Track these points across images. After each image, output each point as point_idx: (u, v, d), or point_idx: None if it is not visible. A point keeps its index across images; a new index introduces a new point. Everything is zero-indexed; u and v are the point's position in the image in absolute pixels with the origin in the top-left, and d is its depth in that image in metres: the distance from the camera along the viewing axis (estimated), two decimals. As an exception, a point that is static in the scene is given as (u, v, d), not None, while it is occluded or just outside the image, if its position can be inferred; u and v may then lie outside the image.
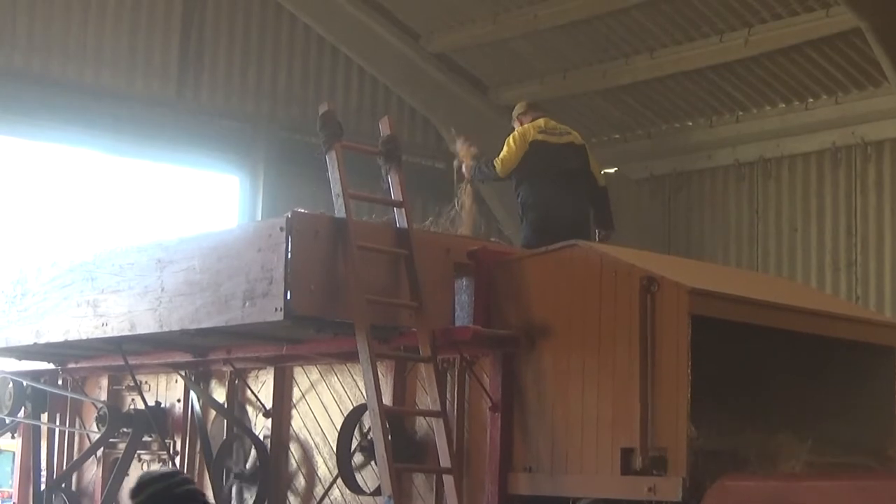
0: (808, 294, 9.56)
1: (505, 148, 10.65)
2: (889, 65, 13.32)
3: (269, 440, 8.53)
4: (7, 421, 10.47)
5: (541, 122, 10.84)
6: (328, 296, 7.17)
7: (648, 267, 6.77)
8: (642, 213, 16.93)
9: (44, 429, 10.35)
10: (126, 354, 8.87)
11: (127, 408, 9.59)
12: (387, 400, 7.53)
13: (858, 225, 14.82)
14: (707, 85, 15.70)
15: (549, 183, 10.50)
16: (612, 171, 17.08)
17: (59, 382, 10.16)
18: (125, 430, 9.41)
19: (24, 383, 10.28)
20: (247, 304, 7.27)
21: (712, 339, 6.55)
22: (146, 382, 9.50)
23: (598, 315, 6.90)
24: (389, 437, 7.05)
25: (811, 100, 15.15)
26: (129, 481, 8.94)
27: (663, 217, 16.78)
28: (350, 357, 7.58)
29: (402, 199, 7.66)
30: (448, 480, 7.15)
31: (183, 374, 9.12)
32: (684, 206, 16.65)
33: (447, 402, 7.48)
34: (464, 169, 10.89)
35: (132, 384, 9.35)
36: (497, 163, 10.60)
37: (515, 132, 10.76)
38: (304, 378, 8.45)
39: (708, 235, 16.32)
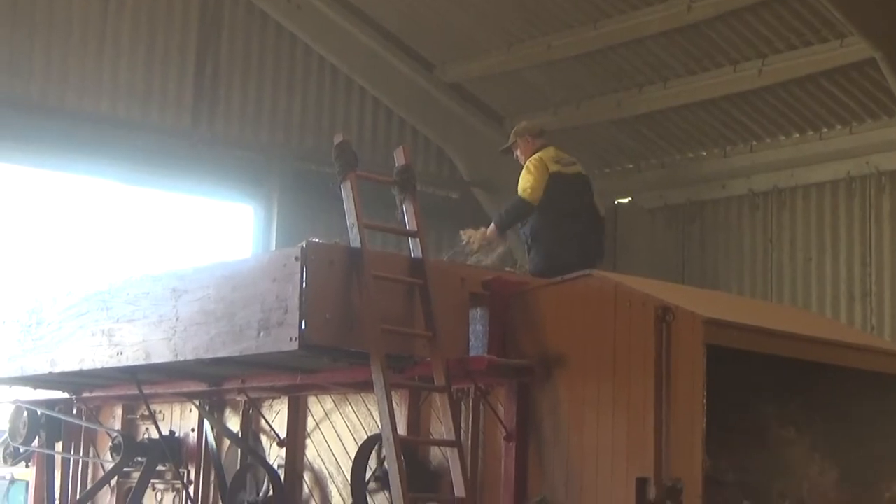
0: (822, 324, 9.52)
1: (527, 177, 10.59)
2: (903, 95, 13.36)
3: (283, 469, 8.50)
4: (21, 450, 10.48)
5: (551, 151, 10.83)
6: (343, 325, 7.15)
7: (663, 297, 6.76)
8: (656, 243, 16.93)
9: (58, 458, 10.36)
10: (141, 383, 8.87)
11: (141, 437, 9.57)
12: (401, 429, 7.51)
13: (873, 255, 14.80)
14: (721, 115, 15.73)
15: (563, 216, 10.51)
16: (626, 200, 17.13)
17: (74, 411, 10.16)
18: (139, 459, 9.38)
19: (39, 412, 10.28)
20: (261, 333, 7.26)
21: (724, 368, 6.54)
22: (160, 412, 9.49)
23: (612, 345, 6.89)
24: (404, 466, 7.04)
25: (825, 129, 15.16)
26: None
27: (677, 246, 16.78)
28: (364, 387, 7.57)
29: (416, 229, 7.66)
30: (462, 510, 7.13)
31: (197, 403, 9.13)
32: (698, 235, 16.65)
33: (462, 431, 7.44)
34: (476, 243, 10.55)
35: (146, 413, 9.34)
36: (524, 193, 10.52)
37: (532, 160, 10.68)
38: (318, 407, 8.44)
39: (722, 265, 16.31)
